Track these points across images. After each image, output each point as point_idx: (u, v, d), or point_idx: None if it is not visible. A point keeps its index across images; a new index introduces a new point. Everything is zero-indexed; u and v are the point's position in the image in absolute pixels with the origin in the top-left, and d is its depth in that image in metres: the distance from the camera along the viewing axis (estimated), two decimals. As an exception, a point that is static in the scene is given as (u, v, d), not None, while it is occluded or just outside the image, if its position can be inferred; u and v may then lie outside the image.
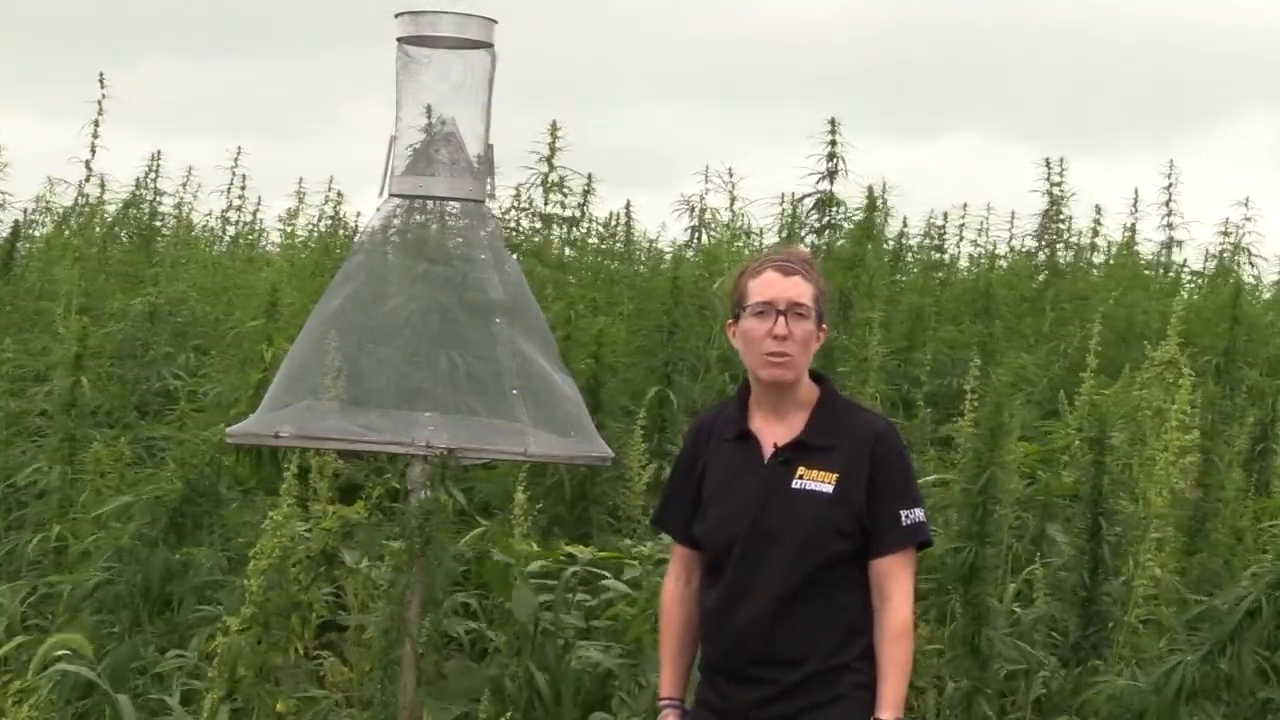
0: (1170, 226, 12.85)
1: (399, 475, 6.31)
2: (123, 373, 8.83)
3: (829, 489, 3.94)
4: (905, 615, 3.94)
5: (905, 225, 12.14)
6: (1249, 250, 12.69)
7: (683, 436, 4.30)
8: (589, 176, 10.84)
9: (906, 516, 3.96)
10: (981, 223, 13.16)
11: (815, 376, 4.08)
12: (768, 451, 4.01)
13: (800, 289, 4.00)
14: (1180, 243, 12.89)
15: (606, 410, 8.01)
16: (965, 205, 13.16)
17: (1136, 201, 12.98)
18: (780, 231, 12.07)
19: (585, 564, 6.59)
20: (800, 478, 3.97)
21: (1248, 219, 12.62)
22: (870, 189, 9.66)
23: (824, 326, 4.05)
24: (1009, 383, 8.52)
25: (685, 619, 4.16)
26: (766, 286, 4.01)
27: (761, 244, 11.87)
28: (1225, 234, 12.75)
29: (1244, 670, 6.27)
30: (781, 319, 3.98)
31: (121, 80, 10.86)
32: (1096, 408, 7.50)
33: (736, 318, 4.06)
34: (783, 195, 12.03)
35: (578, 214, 10.83)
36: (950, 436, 8.53)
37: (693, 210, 12.10)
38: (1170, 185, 12.80)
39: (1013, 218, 13.06)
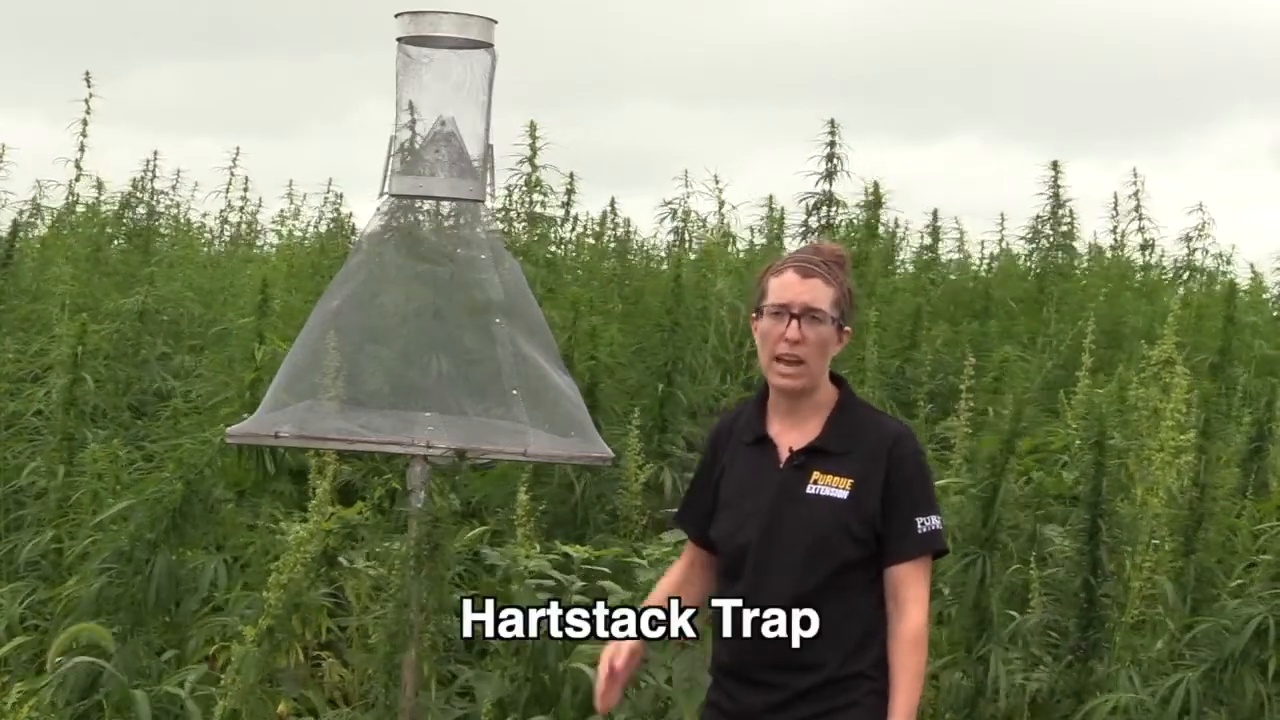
0: (1142, 230, 13.06)
1: (399, 476, 6.31)
2: (115, 373, 8.82)
3: (844, 494, 3.91)
4: (919, 623, 3.89)
5: (898, 225, 12.18)
6: (1208, 251, 12.83)
7: (701, 440, 4.29)
8: (571, 176, 10.87)
9: (922, 524, 3.91)
10: (969, 228, 13.29)
11: (833, 378, 4.03)
12: (784, 456, 3.98)
13: (818, 292, 3.92)
14: (1152, 244, 13.06)
15: (603, 411, 8.00)
16: (936, 211, 13.22)
17: (1117, 204, 13.15)
18: (769, 234, 12.12)
19: (582, 564, 6.58)
20: (815, 483, 3.93)
21: (1204, 225, 12.80)
22: (875, 184, 9.66)
23: (846, 330, 3.98)
24: (995, 377, 8.56)
25: (685, 569, 4.17)
26: (784, 288, 3.94)
27: (762, 246, 11.88)
28: (1189, 238, 12.89)
29: (1245, 688, 6.29)
30: (795, 323, 3.91)
31: (122, 82, 10.90)
32: (1095, 407, 7.51)
33: (758, 314, 4.00)
34: (769, 198, 12.10)
35: (562, 213, 10.85)
36: (946, 435, 8.54)
37: (675, 213, 12.14)
38: (1137, 192, 13.09)
39: (1003, 219, 13.15)
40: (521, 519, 6.72)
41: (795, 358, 3.92)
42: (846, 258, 4.05)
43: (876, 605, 3.92)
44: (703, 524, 4.10)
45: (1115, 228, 13.15)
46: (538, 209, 10.37)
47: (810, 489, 3.93)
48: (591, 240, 12.02)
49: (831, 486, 3.92)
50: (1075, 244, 12.54)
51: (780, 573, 3.92)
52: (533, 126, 10.20)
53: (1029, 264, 12.31)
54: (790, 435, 3.99)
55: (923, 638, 3.90)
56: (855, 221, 10.66)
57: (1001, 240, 13.03)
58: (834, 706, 3.91)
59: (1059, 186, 12.27)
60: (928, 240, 12.93)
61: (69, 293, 9.37)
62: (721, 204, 12.11)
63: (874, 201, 10.45)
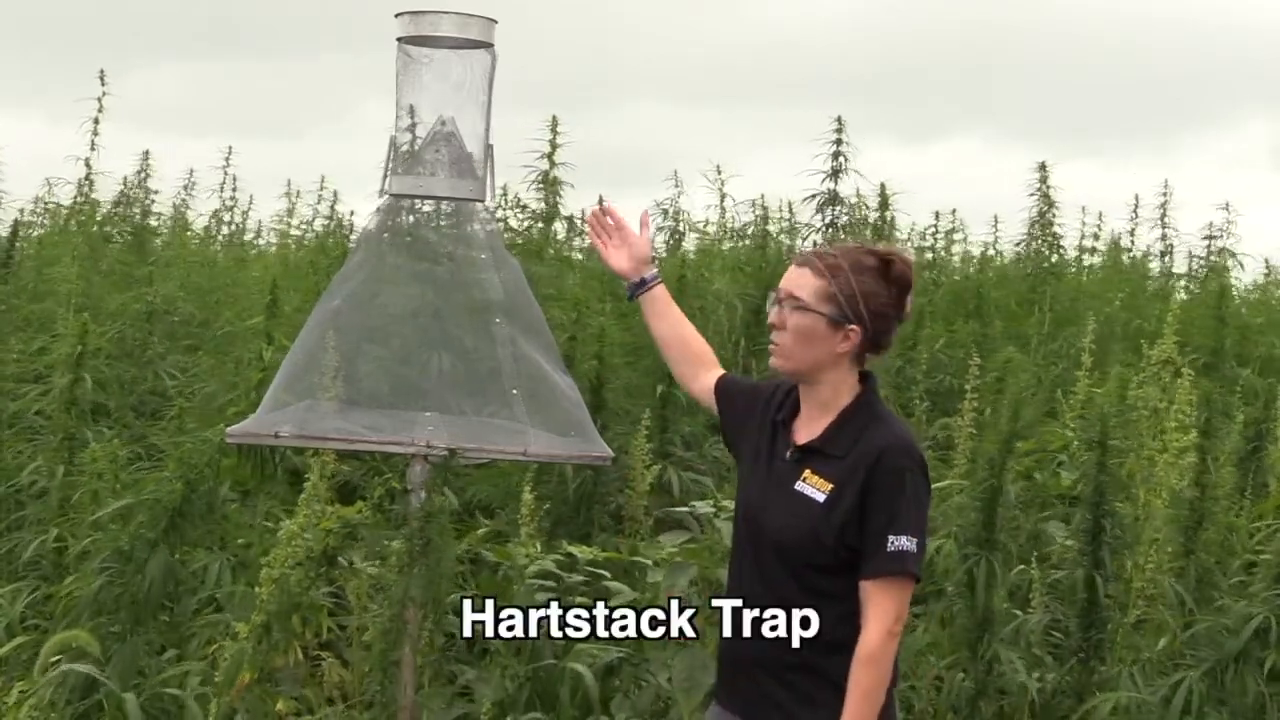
0: (1164, 238, 13.15)
1: (399, 475, 6.31)
2: (118, 373, 8.82)
3: (821, 497, 3.89)
4: (873, 642, 3.81)
5: (893, 226, 12.17)
6: (1231, 252, 12.91)
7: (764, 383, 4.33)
8: (555, 180, 10.86)
9: (893, 542, 3.81)
10: (967, 225, 13.34)
11: (863, 377, 4.01)
12: (790, 448, 4.00)
13: (802, 281, 3.94)
14: (1172, 248, 13.16)
15: (610, 411, 8.00)
16: (954, 211, 13.28)
17: (1137, 207, 13.23)
18: (756, 231, 12.15)
19: (586, 564, 6.59)
20: (804, 480, 3.93)
21: (1230, 222, 12.93)
22: (882, 185, 9.67)
23: (850, 328, 3.93)
24: (998, 377, 8.56)
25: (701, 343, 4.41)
26: (783, 276, 4.02)
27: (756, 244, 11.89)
28: (1210, 238, 12.97)
29: (1246, 688, 6.30)
30: (776, 307, 3.96)
31: (122, 82, 10.90)
32: (1096, 407, 7.51)
33: None
34: (760, 197, 12.11)
35: (560, 211, 10.86)
36: (938, 435, 8.55)
37: (666, 214, 12.16)
38: (1165, 201, 13.31)
39: (995, 221, 13.19)
40: (525, 519, 6.72)
41: (773, 341, 3.97)
42: (874, 256, 3.97)
43: (849, 616, 3.87)
44: (730, 387, 4.26)
45: (1133, 229, 13.27)
46: (553, 207, 10.37)
47: (798, 485, 3.94)
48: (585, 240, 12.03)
49: (814, 488, 3.91)
50: (1092, 243, 12.62)
51: (762, 566, 3.95)
52: (554, 121, 10.20)
53: (1025, 264, 12.34)
54: (801, 431, 4.02)
55: (876, 657, 3.81)
56: (859, 220, 10.69)
57: (995, 240, 13.09)
58: (802, 694, 3.92)
59: (1048, 187, 12.31)
60: (928, 240, 12.98)
61: (72, 292, 9.38)
62: (723, 197, 12.14)
63: (882, 203, 10.50)
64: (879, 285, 3.95)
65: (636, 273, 4.43)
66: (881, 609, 3.83)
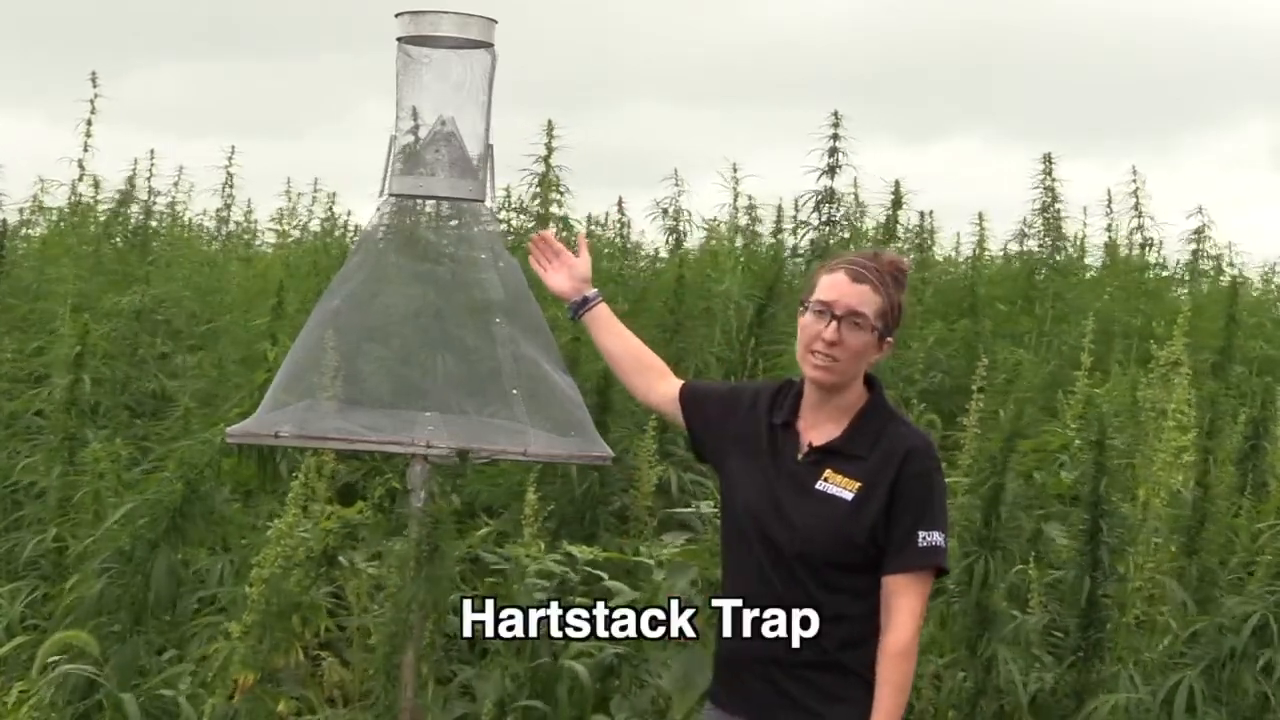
0: (1141, 229, 13.10)
1: (399, 475, 6.31)
2: (114, 372, 8.82)
3: (849, 496, 3.92)
4: (905, 637, 3.87)
5: (885, 225, 12.15)
6: (1208, 254, 12.90)
7: (754, 384, 4.31)
8: (544, 178, 10.85)
9: (924, 538, 3.88)
10: (973, 219, 13.30)
11: (867, 380, 4.03)
12: (803, 450, 4.01)
13: (864, 298, 3.92)
14: (1150, 243, 13.12)
15: (615, 412, 7.98)
16: (931, 212, 13.26)
17: (1111, 202, 13.20)
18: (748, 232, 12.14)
19: (586, 564, 6.58)
20: (825, 480, 3.95)
21: (1206, 225, 12.90)
22: (896, 184, 9.64)
23: (889, 340, 3.99)
24: (1008, 379, 8.56)
25: (652, 357, 4.42)
26: (832, 287, 3.95)
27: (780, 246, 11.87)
28: (1191, 240, 12.97)
29: (1244, 685, 6.30)
30: (835, 324, 3.92)
31: (122, 82, 10.93)
32: (1094, 407, 7.50)
33: (803, 307, 4.00)
34: (750, 199, 12.09)
35: (568, 212, 10.85)
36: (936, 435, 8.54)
37: (666, 213, 12.16)
38: (1136, 190, 13.15)
39: (980, 219, 13.15)
40: (529, 519, 6.72)
41: (830, 356, 3.94)
42: (905, 270, 4.03)
43: (869, 613, 3.91)
44: (700, 393, 4.26)
45: (1110, 225, 13.20)
46: (553, 209, 10.37)
47: (819, 485, 3.96)
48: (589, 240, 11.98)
49: (839, 487, 3.94)
50: (1084, 241, 12.59)
51: (775, 566, 3.95)
52: (550, 125, 10.21)
53: (1023, 261, 12.31)
54: (813, 432, 4.02)
55: (909, 651, 3.88)
56: (857, 219, 10.69)
57: (983, 239, 13.06)
58: (824, 691, 3.92)
59: (1054, 180, 12.28)
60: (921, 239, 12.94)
61: (70, 292, 9.37)
62: (737, 196, 12.13)
63: (895, 201, 10.50)
64: (903, 296, 4.01)
65: (577, 292, 4.52)
66: (911, 603, 3.89)
